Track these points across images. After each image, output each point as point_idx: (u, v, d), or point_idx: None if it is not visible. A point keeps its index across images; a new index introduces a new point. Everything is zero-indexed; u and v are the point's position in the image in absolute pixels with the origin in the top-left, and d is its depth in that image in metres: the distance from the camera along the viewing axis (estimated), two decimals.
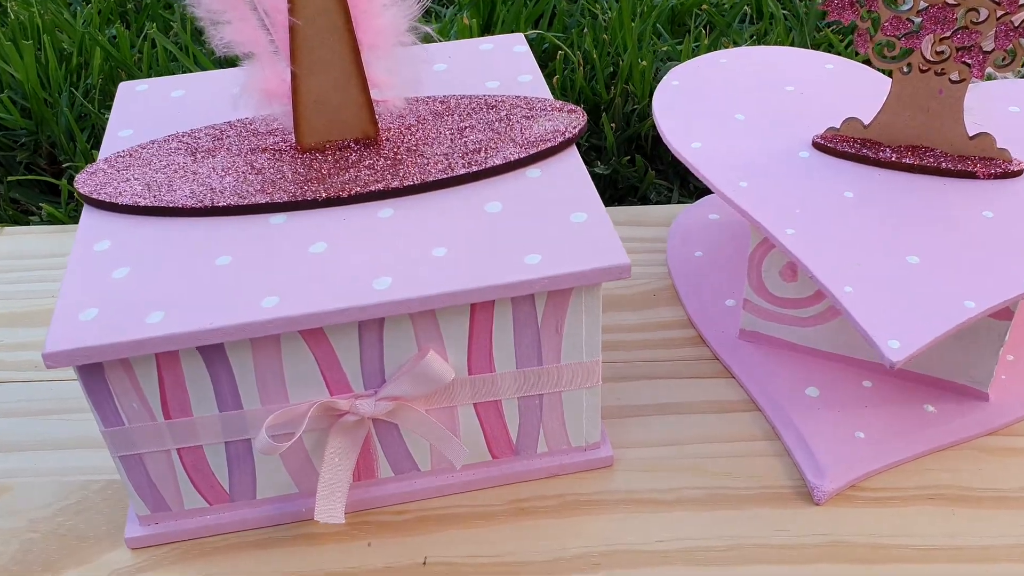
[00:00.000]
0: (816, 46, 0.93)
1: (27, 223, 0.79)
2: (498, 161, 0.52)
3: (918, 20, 0.54)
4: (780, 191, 0.57)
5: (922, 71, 0.55)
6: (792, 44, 0.93)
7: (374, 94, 0.53)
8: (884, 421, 0.57)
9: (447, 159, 0.53)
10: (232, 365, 0.46)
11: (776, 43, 0.92)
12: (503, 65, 0.62)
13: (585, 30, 0.89)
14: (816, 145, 0.60)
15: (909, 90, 0.56)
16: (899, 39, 0.55)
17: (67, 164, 0.83)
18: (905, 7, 0.54)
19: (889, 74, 0.57)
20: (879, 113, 0.58)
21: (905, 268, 0.51)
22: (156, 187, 0.51)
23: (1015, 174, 0.57)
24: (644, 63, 0.81)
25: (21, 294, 0.70)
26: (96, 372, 0.45)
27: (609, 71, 0.85)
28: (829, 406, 0.57)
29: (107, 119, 0.83)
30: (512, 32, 0.89)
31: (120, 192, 0.51)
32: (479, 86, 0.60)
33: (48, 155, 0.85)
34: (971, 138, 0.57)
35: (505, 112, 0.56)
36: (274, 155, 0.53)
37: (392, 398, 0.49)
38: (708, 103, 0.64)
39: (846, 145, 0.59)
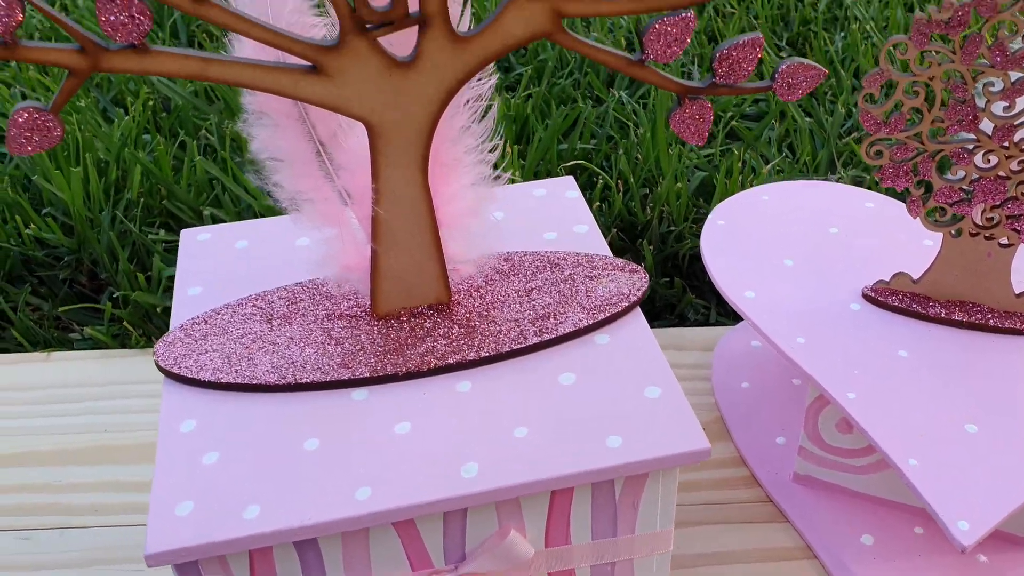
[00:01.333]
0: (839, 154, 0.95)
1: (69, 342, 0.80)
2: (568, 328, 0.54)
3: (970, 189, 0.56)
4: (836, 348, 0.58)
5: (972, 235, 0.58)
6: (816, 152, 0.96)
7: (448, 265, 0.54)
8: (938, 571, 0.58)
9: (518, 325, 0.54)
10: (323, 553, 0.47)
11: (801, 151, 0.94)
12: (558, 213, 0.64)
13: (617, 146, 0.91)
14: (867, 297, 0.62)
15: (958, 252, 0.58)
16: (950, 206, 0.57)
17: (107, 280, 0.84)
18: (957, 177, 0.56)
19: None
20: (928, 271, 0.60)
21: (966, 438, 0.53)
22: (236, 360, 0.52)
23: None
24: (680, 185, 0.83)
25: (72, 428, 0.71)
26: (191, 566, 0.46)
27: (644, 191, 0.87)
28: (884, 556, 0.59)
29: (148, 237, 0.84)
30: (545, 147, 0.91)
31: (201, 366, 0.52)
32: (538, 237, 0.62)
33: (89, 272, 0.85)
34: (1018, 296, 0.59)
35: (568, 272, 0.58)
36: (350, 322, 0.55)
37: (472, 574, 0.50)
38: (755, 246, 0.66)
39: (896, 299, 0.61)
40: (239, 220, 0.79)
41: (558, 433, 0.49)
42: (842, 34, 1.17)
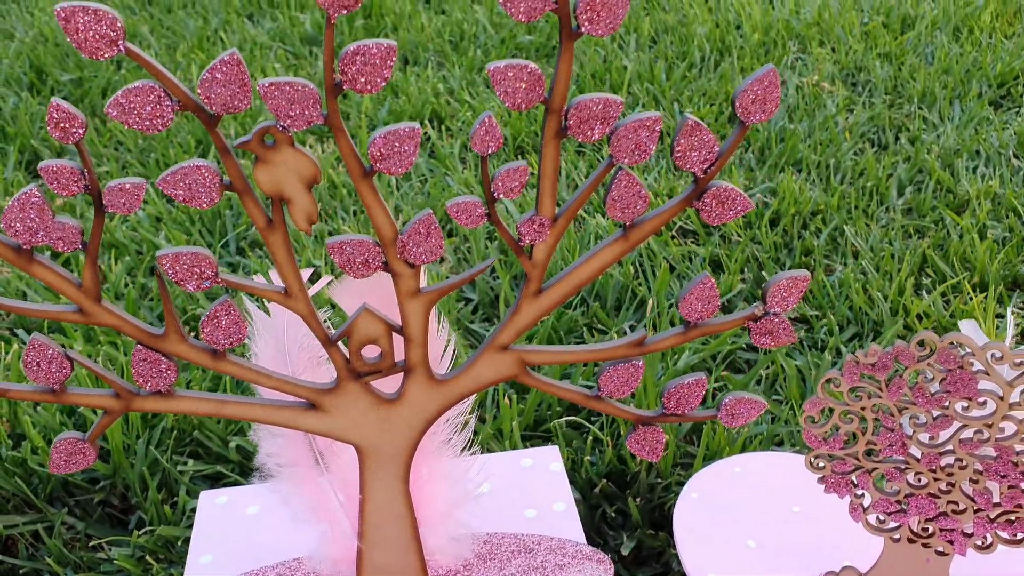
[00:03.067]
0: None
1: (97, 564, 0.87)
2: None
3: (906, 502, 0.62)
4: None
5: (910, 541, 0.63)
6: (803, 394, 1.02)
7: (427, 556, 0.61)
8: None
9: None
10: None
11: (788, 395, 1.00)
12: (540, 489, 0.71)
13: None
14: None
15: (900, 555, 0.63)
16: (889, 515, 0.62)
17: (137, 505, 0.91)
18: (892, 491, 0.62)
19: None
20: (871, 571, 0.65)
21: None
22: None
23: None
24: (668, 438, 0.89)
25: None
26: None
27: None
28: None
29: (177, 468, 0.92)
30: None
31: None
32: (518, 515, 0.68)
33: (121, 495, 0.93)
34: None
35: (540, 559, 0.64)
36: None
37: None
38: (723, 524, 0.72)
39: None
40: None
41: None
42: (840, 269, 1.24)
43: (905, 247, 1.28)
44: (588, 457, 0.90)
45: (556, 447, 0.74)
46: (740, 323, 0.55)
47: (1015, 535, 0.60)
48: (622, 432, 0.93)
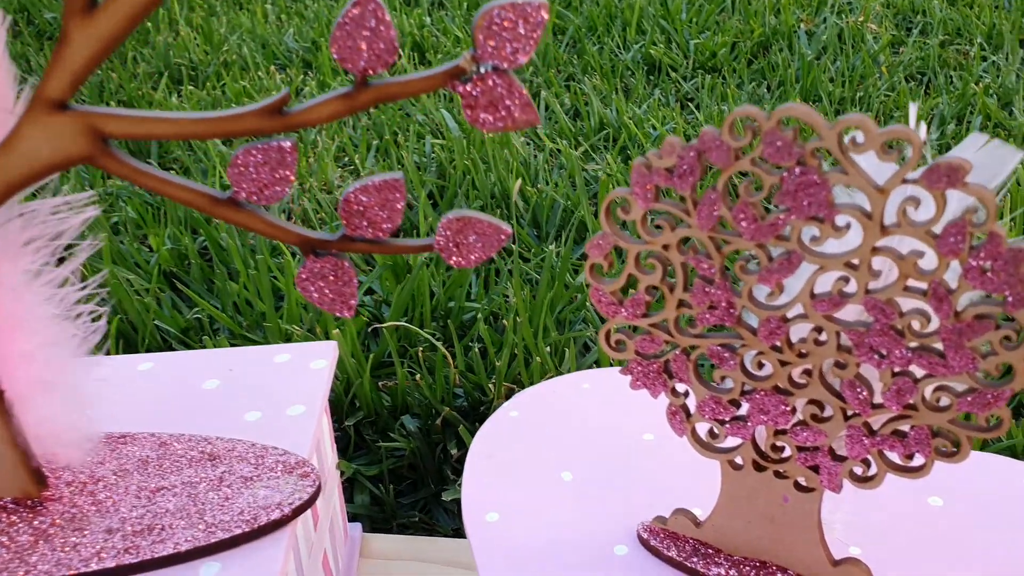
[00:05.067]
0: None
1: None
2: (165, 550, 0.40)
3: (745, 405, 0.40)
4: None
5: (757, 468, 0.41)
6: None
7: (40, 448, 0.42)
8: None
9: (108, 540, 0.41)
10: None
11: None
12: (283, 387, 0.51)
13: (503, 311, 0.77)
14: (640, 538, 0.45)
15: (745, 491, 0.41)
16: (724, 424, 0.40)
17: None
18: (724, 386, 0.40)
19: None
20: (712, 513, 0.43)
21: None
22: None
23: None
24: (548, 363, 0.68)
25: None
26: None
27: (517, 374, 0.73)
28: None
29: None
30: (413, 288, 0.79)
31: None
32: (236, 418, 0.49)
33: None
34: (835, 564, 0.41)
35: (222, 470, 0.45)
36: None
37: None
38: (539, 450, 0.51)
39: (673, 547, 0.44)
40: None
41: None
42: None
43: None
44: (421, 378, 0.70)
45: (335, 343, 0.55)
46: (439, 82, 0.35)
47: (910, 457, 0.37)
48: (491, 354, 0.73)
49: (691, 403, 0.42)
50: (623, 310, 0.40)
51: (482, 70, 0.34)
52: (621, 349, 0.41)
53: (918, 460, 0.37)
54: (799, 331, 0.37)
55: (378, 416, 0.70)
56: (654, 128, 1.19)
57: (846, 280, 0.35)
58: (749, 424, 0.40)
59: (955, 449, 0.36)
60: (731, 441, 0.41)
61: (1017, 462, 0.49)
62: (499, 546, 0.45)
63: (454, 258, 0.38)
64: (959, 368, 0.34)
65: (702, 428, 0.41)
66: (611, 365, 0.70)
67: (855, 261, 0.35)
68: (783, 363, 0.38)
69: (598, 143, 1.17)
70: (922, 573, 0.43)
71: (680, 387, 0.41)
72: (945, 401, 0.35)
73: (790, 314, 0.37)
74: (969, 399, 0.35)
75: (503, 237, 0.38)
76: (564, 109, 1.28)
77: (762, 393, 0.39)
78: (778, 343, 0.38)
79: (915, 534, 0.45)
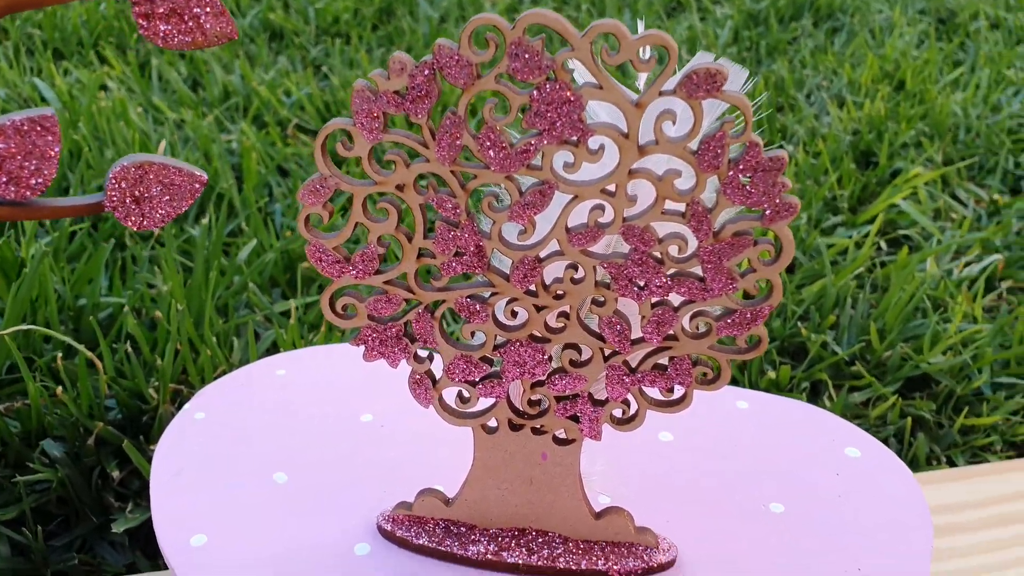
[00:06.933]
0: None
1: None
2: None
3: (497, 359, 0.36)
4: None
5: (513, 429, 0.37)
6: None
7: None
8: None
9: None
10: None
11: None
12: None
13: None
14: (382, 531, 0.39)
15: (500, 455, 0.37)
16: (476, 386, 0.36)
17: None
18: (474, 342, 0.36)
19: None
20: (463, 487, 0.38)
21: None
22: None
23: (661, 568, 0.38)
24: None
25: None
26: None
27: None
28: None
29: None
30: None
31: None
32: None
33: None
34: (597, 517, 0.38)
35: None
36: None
37: None
38: (240, 454, 0.43)
39: (423, 533, 0.39)
40: None
41: None
42: None
43: None
44: (63, 392, 0.57)
45: None
46: None
47: (670, 389, 0.36)
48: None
49: (436, 368, 0.37)
50: (351, 268, 0.34)
51: None
52: (350, 315, 0.35)
53: (678, 392, 0.35)
54: (553, 271, 0.34)
55: (6, 447, 0.57)
56: (288, 95, 1.11)
57: (602, 209, 0.32)
58: (504, 380, 0.35)
59: (716, 375, 0.35)
60: (483, 403, 0.37)
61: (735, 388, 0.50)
62: (213, 571, 0.37)
63: (133, 218, 0.29)
64: (719, 291, 0.33)
65: (449, 394, 0.37)
66: (294, 348, 0.63)
67: (611, 187, 0.32)
68: (538, 308, 0.34)
69: (226, 113, 1.07)
70: (660, 511, 0.42)
71: (423, 352, 0.36)
72: (704, 327, 0.34)
73: (543, 253, 0.33)
74: (728, 321, 0.34)
75: (197, 186, 0.30)
76: (182, 78, 1.15)
77: (517, 344, 0.35)
78: (532, 287, 0.34)
79: (650, 471, 0.44)
